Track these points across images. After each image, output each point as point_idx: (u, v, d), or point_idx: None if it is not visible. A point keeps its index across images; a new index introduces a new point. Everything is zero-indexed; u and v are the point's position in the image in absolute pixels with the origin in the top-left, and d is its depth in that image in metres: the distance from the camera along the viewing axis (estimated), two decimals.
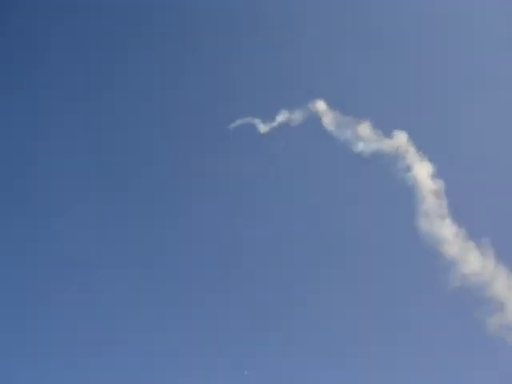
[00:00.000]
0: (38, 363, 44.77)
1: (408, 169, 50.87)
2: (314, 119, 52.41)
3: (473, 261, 48.51)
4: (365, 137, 51.95)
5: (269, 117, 52.51)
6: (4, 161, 49.36)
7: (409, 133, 51.39)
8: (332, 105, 52.65)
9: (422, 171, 50.74)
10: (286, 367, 46.88)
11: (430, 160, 50.88)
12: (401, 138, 51.49)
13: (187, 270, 49.75)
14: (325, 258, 51.53)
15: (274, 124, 52.58)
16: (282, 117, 52.60)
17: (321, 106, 52.89)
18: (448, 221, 49.63)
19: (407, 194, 50.22)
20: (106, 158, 52.38)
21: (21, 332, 45.85)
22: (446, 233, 49.47)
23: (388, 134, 51.73)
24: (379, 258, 51.51)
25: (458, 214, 49.73)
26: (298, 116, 52.41)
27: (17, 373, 44.51)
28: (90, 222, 49.83)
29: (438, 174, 50.51)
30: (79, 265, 47.90)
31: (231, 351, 46.51)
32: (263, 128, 52.59)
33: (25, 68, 51.82)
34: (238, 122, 52.41)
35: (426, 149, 51.17)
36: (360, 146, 51.87)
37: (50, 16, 52.76)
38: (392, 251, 51.68)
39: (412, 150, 51.18)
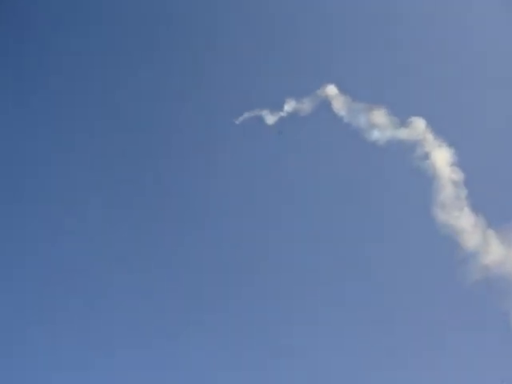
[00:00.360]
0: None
1: (426, 157, 48.82)
2: (325, 107, 50.17)
3: (494, 251, 46.56)
4: (380, 124, 49.65)
5: (276, 107, 50.29)
6: (4, 161, 49.27)
7: (427, 119, 49.30)
8: (344, 90, 50.38)
9: (441, 159, 48.71)
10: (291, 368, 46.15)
11: (449, 148, 48.82)
12: (418, 125, 49.31)
13: (198, 261, 49.22)
14: (339, 250, 50.43)
15: (282, 114, 50.40)
16: (289, 106, 50.43)
17: (332, 91, 50.52)
18: (467, 210, 47.73)
19: (424, 183, 48.54)
20: (112, 150, 51.79)
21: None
22: (465, 222, 47.54)
23: (405, 120, 49.47)
24: (395, 249, 50.14)
25: (478, 202, 48.04)
26: (307, 104, 50.16)
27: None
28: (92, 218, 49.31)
29: (457, 162, 48.72)
30: (81, 269, 47.53)
31: (233, 351, 46.12)
32: (271, 119, 50.50)
33: (25, 68, 51.58)
34: (245, 115, 50.11)
35: (444, 136, 49.17)
36: (375, 134, 49.67)
37: (50, 16, 52.45)
38: (409, 242, 50.28)
39: (430, 137, 49.07)
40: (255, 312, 47.65)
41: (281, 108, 50.26)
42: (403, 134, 49.19)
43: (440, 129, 49.08)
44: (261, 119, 50.13)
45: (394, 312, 48.09)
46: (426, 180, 48.39)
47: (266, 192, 51.83)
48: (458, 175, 48.12)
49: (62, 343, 44.69)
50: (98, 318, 45.78)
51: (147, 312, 45.99)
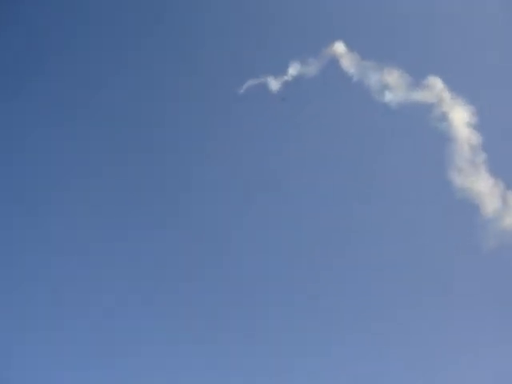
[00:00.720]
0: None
1: (442, 119, 45.97)
2: (333, 67, 46.88)
3: None
4: (393, 84, 46.51)
5: (280, 71, 46.94)
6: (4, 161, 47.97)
7: (444, 79, 46.23)
8: (353, 48, 47.08)
9: (458, 121, 45.89)
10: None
11: (467, 109, 45.87)
12: (434, 85, 46.23)
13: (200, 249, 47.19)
14: (353, 218, 48.14)
15: (287, 78, 47.16)
16: (294, 69, 47.10)
17: (340, 48, 47.30)
18: (485, 173, 45.44)
19: (441, 146, 46.07)
20: (116, 125, 49.58)
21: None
22: (484, 186, 45.40)
23: (420, 80, 46.40)
24: (411, 215, 47.85)
25: (497, 165, 45.87)
26: (313, 66, 47.12)
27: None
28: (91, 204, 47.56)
29: (475, 124, 45.86)
30: (79, 265, 46.24)
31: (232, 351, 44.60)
32: (275, 85, 47.45)
33: (24, 68, 49.82)
34: (248, 83, 46.65)
35: (462, 96, 46.26)
36: (387, 96, 46.57)
37: (49, 16, 50.45)
38: (425, 208, 48.03)
39: (447, 98, 46.08)
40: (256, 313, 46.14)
41: (285, 72, 47.25)
42: (418, 95, 46.29)
43: (457, 89, 46.28)
44: (265, 86, 47.17)
45: (409, 282, 46.33)
46: (442, 143, 45.98)
47: (275, 166, 49.20)
48: (477, 137, 45.66)
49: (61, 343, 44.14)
50: (99, 322, 44.99)
51: (148, 315, 45.16)
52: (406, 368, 43.56)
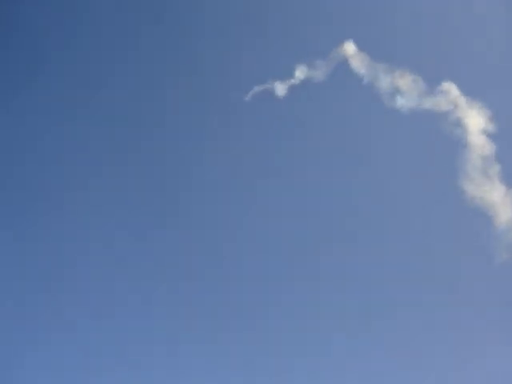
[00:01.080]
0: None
1: (456, 126, 44.51)
2: (342, 70, 45.57)
3: None
4: (405, 89, 45.08)
5: (286, 75, 45.51)
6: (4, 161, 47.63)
7: (459, 84, 44.89)
8: (363, 49, 45.69)
9: (473, 128, 44.39)
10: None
11: (483, 115, 44.39)
12: (449, 90, 44.72)
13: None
14: (360, 225, 46.94)
15: (294, 82, 45.62)
16: (301, 72, 45.67)
17: (350, 49, 45.94)
18: (499, 183, 43.85)
19: (453, 153, 44.69)
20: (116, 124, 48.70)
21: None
22: (497, 196, 43.82)
23: (433, 85, 44.84)
24: (420, 224, 46.61)
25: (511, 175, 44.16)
26: (321, 68, 45.45)
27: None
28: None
29: (490, 131, 44.33)
30: (78, 265, 45.59)
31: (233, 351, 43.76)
32: (282, 89, 45.88)
33: (24, 68, 49.34)
34: (254, 89, 45.23)
35: (478, 102, 44.80)
36: (399, 100, 45.14)
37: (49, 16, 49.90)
38: (435, 217, 46.65)
39: (462, 103, 44.56)
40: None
41: (292, 75, 45.74)
42: (431, 100, 44.83)
43: (473, 95, 44.88)
44: (272, 92, 45.72)
45: (419, 291, 45.09)
46: (455, 150, 44.57)
47: (280, 170, 48.15)
48: (492, 146, 44.13)
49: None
50: (98, 322, 44.28)
51: (148, 315, 44.47)
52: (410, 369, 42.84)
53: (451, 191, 45.04)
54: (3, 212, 46.31)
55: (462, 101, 44.49)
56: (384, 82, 45.62)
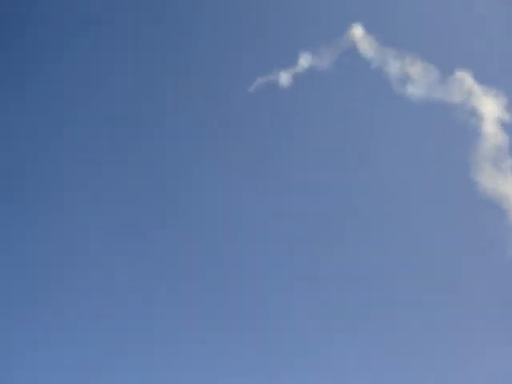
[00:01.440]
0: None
1: (470, 115, 42.55)
2: (348, 58, 43.70)
3: None
4: (416, 76, 42.98)
5: (289, 64, 43.53)
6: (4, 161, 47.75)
7: (473, 71, 42.74)
8: (372, 34, 43.59)
9: (487, 118, 42.36)
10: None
11: (498, 104, 42.41)
12: (463, 78, 42.60)
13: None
14: (370, 219, 45.87)
15: (298, 71, 43.62)
16: (305, 61, 43.69)
17: (358, 33, 43.80)
18: None
19: (466, 143, 43.06)
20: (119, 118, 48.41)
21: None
22: (511, 188, 41.83)
23: (446, 72, 42.67)
24: (431, 216, 45.26)
25: None
26: (327, 54, 43.46)
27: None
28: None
29: (505, 121, 42.36)
30: (78, 265, 45.57)
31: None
32: (285, 80, 43.82)
33: (24, 68, 49.28)
34: (258, 81, 43.45)
35: (493, 91, 42.80)
36: (410, 88, 43.05)
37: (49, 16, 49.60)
38: (447, 210, 45.32)
39: (476, 91, 42.40)
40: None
41: (296, 64, 43.83)
42: (444, 88, 42.79)
43: (488, 83, 42.77)
44: (276, 81, 43.89)
45: (429, 285, 43.85)
46: (467, 141, 42.93)
47: (285, 164, 46.97)
48: (507, 136, 42.15)
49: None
50: (98, 322, 44.25)
51: (148, 315, 44.28)
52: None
53: (463, 183, 43.67)
54: (3, 212, 46.42)
55: (476, 89, 42.57)
56: (393, 67, 43.68)
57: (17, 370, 42.27)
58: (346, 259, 44.83)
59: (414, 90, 43.19)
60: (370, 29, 43.66)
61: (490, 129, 42.50)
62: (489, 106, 42.33)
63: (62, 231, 45.81)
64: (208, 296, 44.14)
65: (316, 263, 44.74)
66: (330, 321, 43.29)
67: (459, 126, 42.80)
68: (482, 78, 42.81)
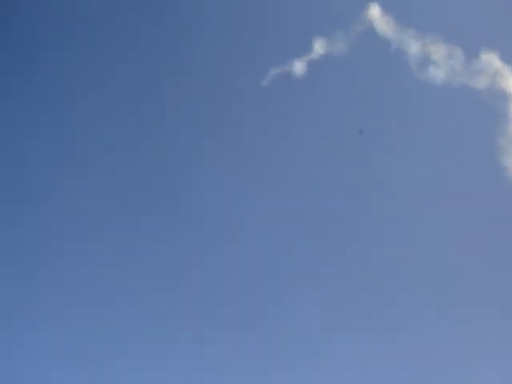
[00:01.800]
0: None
1: (498, 97, 39.96)
2: (365, 41, 41.51)
3: None
4: (439, 58, 40.59)
5: (303, 51, 41.67)
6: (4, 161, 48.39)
7: (501, 53, 40.08)
8: (391, 14, 41.23)
9: None
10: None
11: None
12: (489, 60, 40.15)
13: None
14: (391, 209, 44.74)
15: (313, 58, 41.65)
16: (320, 47, 41.65)
17: (375, 13, 41.54)
18: None
19: (494, 128, 40.84)
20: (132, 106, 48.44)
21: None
22: None
23: (471, 54, 40.31)
24: (458, 206, 43.80)
25: None
26: (342, 40, 41.42)
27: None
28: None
29: None
30: (78, 265, 45.78)
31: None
32: (300, 68, 41.87)
33: (23, 67, 49.61)
34: (272, 72, 41.88)
35: None
36: (432, 71, 40.78)
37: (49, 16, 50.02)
38: (475, 198, 43.69)
39: (505, 74, 39.88)
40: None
41: (310, 50, 41.97)
42: (469, 70, 40.41)
43: None
44: (290, 72, 42.29)
45: (453, 267, 42.94)
46: (495, 125, 40.52)
47: (305, 159, 45.87)
48: None
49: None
50: (98, 322, 44.43)
51: (148, 315, 44.40)
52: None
53: (490, 169, 41.80)
54: (3, 212, 46.93)
55: (504, 70, 40.02)
56: (414, 49, 41.36)
57: (17, 370, 42.72)
58: (347, 259, 44.35)
59: (437, 73, 41.01)
60: (387, 8, 41.56)
61: None
62: None
63: (62, 231, 46.10)
64: (208, 296, 44.10)
65: (316, 263, 44.27)
66: (329, 321, 42.87)
67: (485, 110, 40.48)
68: (511, 59, 40.28)
